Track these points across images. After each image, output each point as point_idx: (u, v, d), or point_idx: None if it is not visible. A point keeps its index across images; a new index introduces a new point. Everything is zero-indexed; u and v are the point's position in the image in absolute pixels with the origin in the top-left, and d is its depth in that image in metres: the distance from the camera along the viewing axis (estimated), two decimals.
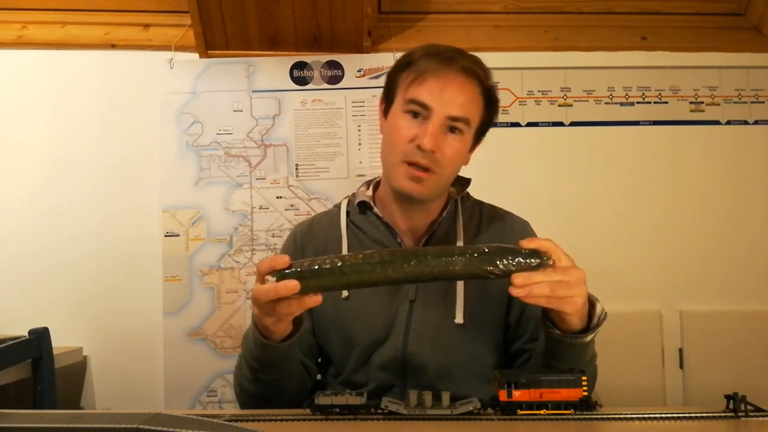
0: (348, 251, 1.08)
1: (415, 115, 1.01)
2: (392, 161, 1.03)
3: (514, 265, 0.80)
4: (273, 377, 0.96)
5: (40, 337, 1.54)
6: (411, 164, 1.00)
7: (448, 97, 0.99)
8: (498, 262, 0.79)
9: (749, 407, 0.81)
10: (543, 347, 0.94)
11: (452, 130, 1.01)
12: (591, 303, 0.88)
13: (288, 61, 1.91)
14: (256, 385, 0.97)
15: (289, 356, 0.95)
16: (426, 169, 1.00)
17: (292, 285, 0.79)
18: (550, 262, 0.81)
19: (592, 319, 0.89)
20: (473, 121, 1.03)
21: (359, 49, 1.89)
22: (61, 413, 0.75)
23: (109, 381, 1.84)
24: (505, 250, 0.80)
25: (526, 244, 0.81)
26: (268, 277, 0.81)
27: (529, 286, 0.80)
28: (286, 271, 0.80)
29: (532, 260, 0.80)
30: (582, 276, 0.83)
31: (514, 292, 0.80)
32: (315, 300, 0.81)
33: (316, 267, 0.80)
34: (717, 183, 1.91)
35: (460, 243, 1.07)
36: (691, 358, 1.83)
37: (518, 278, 0.79)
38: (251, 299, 0.85)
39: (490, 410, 0.82)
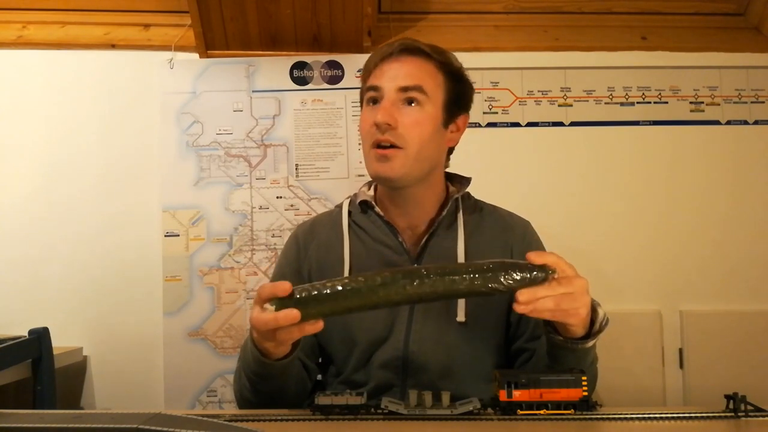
0: (350, 251, 1.08)
1: (374, 102, 1.04)
2: (364, 150, 1.06)
3: (518, 281, 0.79)
4: (272, 389, 0.95)
5: (40, 337, 1.53)
6: (377, 147, 1.02)
7: (392, 72, 1.03)
8: (502, 279, 0.78)
9: (749, 407, 0.81)
10: (545, 350, 0.94)
11: (410, 102, 1.02)
12: (593, 308, 0.88)
13: (288, 61, 1.91)
14: (256, 395, 0.97)
15: (288, 371, 0.94)
16: (390, 145, 1.01)
17: (293, 315, 0.78)
18: (555, 275, 0.80)
19: (593, 325, 0.89)
20: (430, 90, 1.03)
21: (359, 49, 1.89)
22: (61, 413, 0.75)
23: (109, 381, 1.84)
24: (508, 266, 0.79)
25: (533, 257, 0.81)
26: (267, 306, 0.79)
27: (534, 303, 0.79)
28: (286, 299, 0.79)
29: (536, 274, 0.79)
30: (585, 285, 0.83)
31: (519, 308, 0.79)
32: (316, 327, 0.81)
33: (316, 293, 0.79)
34: (717, 183, 1.91)
35: (460, 242, 1.07)
36: (691, 358, 1.83)
37: (522, 295, 0.79)
38: (250, 323, 0.84)
39: (490, 410, 0.82)
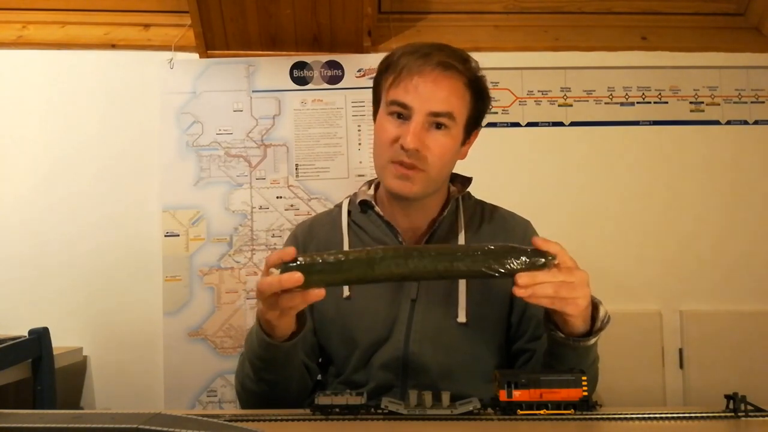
0: None
1: (399, 116, 1.01)
2: (380, 163, 1.04)
3: (518, 265, 0.79)
4: (275, 377, 0.96)
5: (40, 337, 1.53)
6: (398, 163, 1.00)
7: (426, 93, 0.99)
8: (503, 261, 0.79)
9: (749, 407, 0.81)
10: (545, 349, 0.94)
11: (438, 126, 1.00)
12: (594, 306, 0.88)
13: (288, 61, 1.91)
14: (259, 385, 0.97)
15: (292, 356, 0.95)
16: (413, 167, 0.99)
17: (296, 277, 0.79)
18: (555, 262, 0.81)
19: (595, 322, 0.89)
20: (458, 115, 1.01)
21: (359, 49, 1.89)
22: (61, 413, 0.75)
23: (109, 381, 1.84)
24: (510, 250, 0.80)
25: (539, 242, 0.81)
26: (273, 270, 0.81)
27: (533, 287, 0.80)
28: (291, 263, 0.81)
29: (537, 260, 0.80)
30: (585, 278, 0.83)
31: (518, 291, 0.79)
32: (318, 294, 0.81)
33: (320, 260, 0.81)
34: (717, 183, 1.91)
35: (461, 242, 1.07)
36: (691, 358, 1.83)
37: (522, 278, 0.79)
38: (256, 291, 0.85)
39: (490, 410, 0.82)
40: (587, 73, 1.94)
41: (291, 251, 0.81)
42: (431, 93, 0.99)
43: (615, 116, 1.93)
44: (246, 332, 1.79)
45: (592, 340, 0.89)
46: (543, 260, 0.80)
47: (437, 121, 1.00)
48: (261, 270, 1.82)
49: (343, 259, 0.81)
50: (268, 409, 0.89)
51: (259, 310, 0.89)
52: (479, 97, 1.05)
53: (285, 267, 0.81)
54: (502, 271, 0.79)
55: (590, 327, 0.89)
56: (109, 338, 1.85)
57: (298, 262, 0.81)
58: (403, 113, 1.00)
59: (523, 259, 0.79)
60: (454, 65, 1.00)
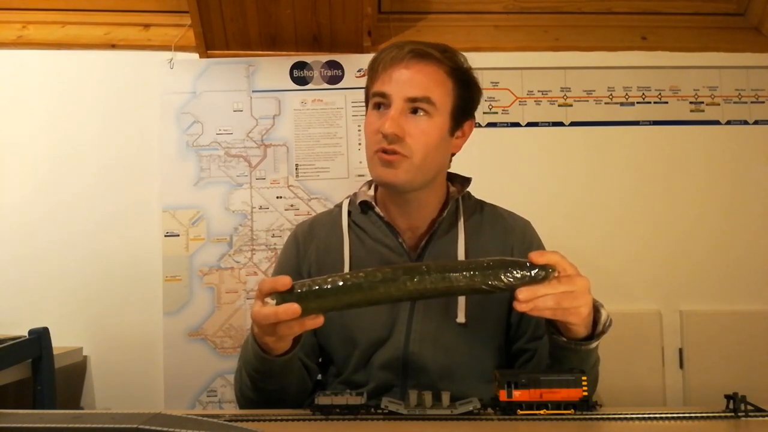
0: (350, 251, 1.08)
1: (381, 106, 1.03)
2: (368, 156, 1.05)
3: (518, 279, 0.78)
4: (273, 387, 0.95)
5: (40, 337, 1.54)
6: (381, 152, 1.01)
7: (402, 80, 1.00)
8: (502, 277, 0.78)
9: (749, 407, 0.81)
10: (547, 351, 0.94)
11: (418, 111, 1.00)
12: (596, 308, 0.88)
13: (288, 61, 1.91)
14: (257, 393, 0.97)
15: (289, 368, 0.94)
16: (394, 153, 1.00)
17: (293, 309, 0.78)
18: (555, 274, 0.80)
19: (596, 326, 0.88)
20: (439, 102, 1.01)
21: (359, 49, 1.89)
22: (61, 413, 0.75)
23: (109, 381, 1.84)
24: (509, 264, 0.79)
25: (535, 257, 0.80)
26: (268, 300, 0.79)
27: (534, 300, 0.79)
28: (287, 293, 0.79)
29: (536, 273, 0.79)
30: (587, 285, 0.83)
31: (519, 307, 0.79)
32: (316, 322, 0.81)
33: (317, 288, 0.79)
34: (717, 183, 1.91)
35: (461, 243, 1.07)
36: (691, 358, 1.83)
37: (522, 293, 0.78)
38: (251, 318, 0.85)
39: (490, 410, 0.82)
40: (587, 73, 1.94)
41: (286, 281, 0.79)
42: (407, 79, 1.00)
43: (615, 116, 1.93)
44: (246, 332, 1.79)
45: (594, 344, 0.88)
46: (543, 273, 0.79)
47: (416, 107, 1.00)
48: (260, 271, 1.84)
49: (340, 284, 0.79)
50: (268, 409, 0.89)
51: (254, 332, 0.88)
52: (464, 86, 1.05)
53: (281, 297, 0.79)
54: (502, 287, 0.79)
55: (592, 330, 0.88)
56: (109, 338, 1.85)
57: (295, 291, 0.79)
58: (383, 103, 1.02)
59: (524, 273, 0.79)
60: (430, 53, 1.01)
